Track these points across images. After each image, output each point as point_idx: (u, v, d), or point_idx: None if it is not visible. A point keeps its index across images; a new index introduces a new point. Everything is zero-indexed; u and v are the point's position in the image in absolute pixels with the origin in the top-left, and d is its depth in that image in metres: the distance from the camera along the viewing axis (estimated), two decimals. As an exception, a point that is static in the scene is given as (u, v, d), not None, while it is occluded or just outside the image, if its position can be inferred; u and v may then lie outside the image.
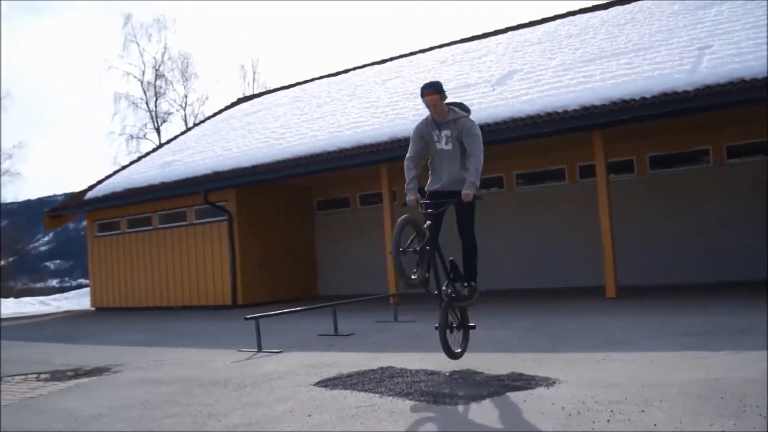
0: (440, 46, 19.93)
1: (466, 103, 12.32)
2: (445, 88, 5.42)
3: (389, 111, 14.27)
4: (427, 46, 20.50)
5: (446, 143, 5.44)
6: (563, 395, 4.13)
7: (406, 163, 5.54)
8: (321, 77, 22.61)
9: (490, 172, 15.31)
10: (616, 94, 10.59)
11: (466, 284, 5.40)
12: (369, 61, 21.93)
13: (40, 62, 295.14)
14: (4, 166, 42.76)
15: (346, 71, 21.81)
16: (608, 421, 3.45)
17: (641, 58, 11.78)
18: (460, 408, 4.00)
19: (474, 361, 5.49)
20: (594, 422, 3.43)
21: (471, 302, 5.46)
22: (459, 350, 5.34)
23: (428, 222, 5.18)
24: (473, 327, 5.53)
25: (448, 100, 5.46)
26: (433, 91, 5.33)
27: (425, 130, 5.51)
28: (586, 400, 3.94)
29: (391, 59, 20.87)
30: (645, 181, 13.72)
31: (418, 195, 5.33)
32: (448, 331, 5.18)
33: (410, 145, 5.59)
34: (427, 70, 17.22)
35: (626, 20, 14.84)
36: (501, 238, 14.64)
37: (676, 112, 10.15)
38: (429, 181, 5.58)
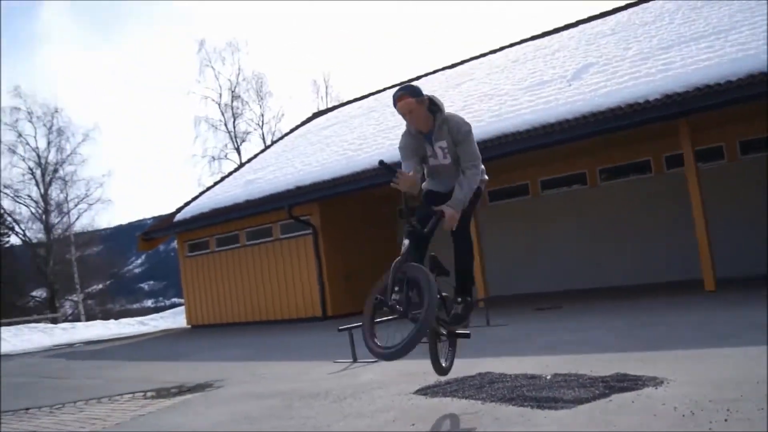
0: (511, 45, 19.75)
1: (541, 100, 12.18)
2: (424, 91, 4.49)
3: (465, 114, 14.06)
4: (497, 46, 20.35)
5: (444, 157, 4.52)
6: (674, 395, 4.00)
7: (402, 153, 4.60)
8: (393, 86, 22.74)
9: (572, 169, 15.07)
10: (699, 79, 10.22)
11: (459, 300, 4.63)
12: (439, 66, 21.93)
13: (123, 93, 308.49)
14: (96, 194, 44.79)
15: (418, 78, 21.87)
16: (726, 420, 3.31)
17: (723, 40, 11.34)
18: (567, 412, 3.94)
19: (574, 363, 5.41)
20: (711, 422, 3.30)
21: (466, 322, 4.70)
22: (446, 364, 4.72)
23: (407, 241, 4.32)
24: (467, 336, 4.80)
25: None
26: (406, 94, 4.40)
27: (414, 143, 4.55)
28: (698, 399, 3.80)
29: (462, 62, 20.81)
30: (737, 167, 13.19)
31: (418, 172, 4.45)
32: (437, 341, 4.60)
33: (402, 163, 4.53)
34: (499, 70, 17.09)
35: (702, 3, 14.32)
36: (586, 234, 14.36)
37: (765, 93, 9.73)
38: (426, 182, 4.75)
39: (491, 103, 13.95)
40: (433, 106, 4.48)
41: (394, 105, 4.45)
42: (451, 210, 4.26)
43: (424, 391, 5.13)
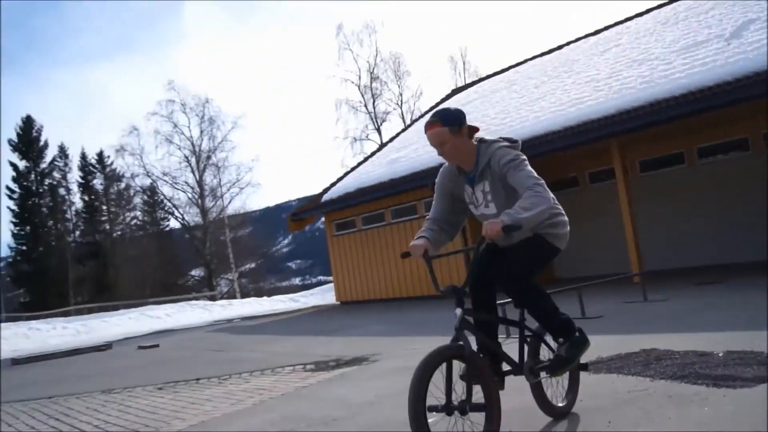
0: (659, 6, 18.57)
1: (697, 62, 11.24)
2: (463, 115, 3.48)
3: (612, 83, 13.55)
4: (644, 9, 19.22)
5: (486, 205, 3.54)
6: None
7: (425, 223, 3.69)
8: (533, 57, 22.12)
9: (732, 135, 14.01)
10: None
11: (561, 341, 3.63)
12: (582, 34, 21.06)
13: (267, 80, 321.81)
14: (246, 178, 47.23)
15: (560, 47, 21.12)
16: None
17: None
18: (749, 391, 3.68)
19: (747, 340, 5.03)
20: None
21: (578, 361, 3.73)
22: (563, 404, 3.85)
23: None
24: (585, 368, 3.97)
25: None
26: (437, 121, 3.43)
27: (450, 185, 3.71)
28: None
29: (606, 28, 19.86)
30: None
31: (428, 244, 3.55)
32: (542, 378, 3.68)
33: (433, 202, 3.80)
34: (648, 33, 16.12)
35: None
36: (752, 205, 13.34)
37: None
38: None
39: (641, 69, 13.22)
40: (475, 133, 3.54)
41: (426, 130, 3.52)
42: (496, 221, 3.10)
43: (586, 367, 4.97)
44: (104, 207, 52.95)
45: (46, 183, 49.96)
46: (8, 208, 48.78)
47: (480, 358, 3.29)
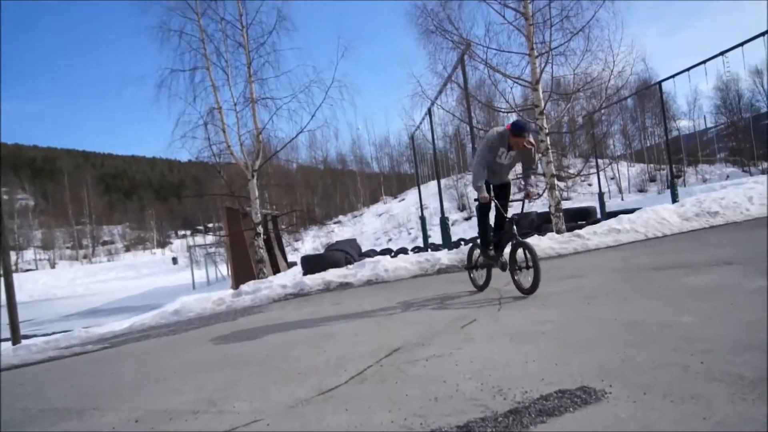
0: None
1: None
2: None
3: None
4: None
5: (506, 159, 6.90)
6: None
7: (479, 169, 6.78)
8: None
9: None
10: None
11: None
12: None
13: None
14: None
15: None
16: None
17: None
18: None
19: None
20: None
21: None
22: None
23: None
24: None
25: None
26: (528, 132, 6.65)
27: (496, 145, 6.80)
28: None
29: None
30: None
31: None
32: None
33: (484, 155, 6.82)
34: None
35: None
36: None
37: None
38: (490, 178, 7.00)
39: None
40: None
41: (518, 136, 6.59)
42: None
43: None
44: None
45: None
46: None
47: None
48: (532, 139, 6.71)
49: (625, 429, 2.78)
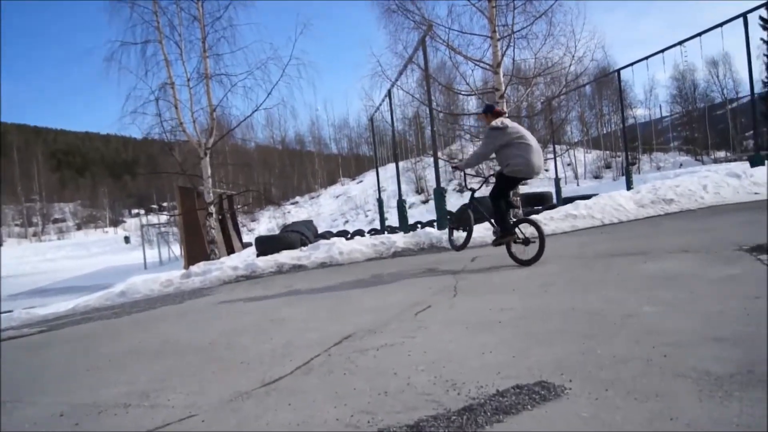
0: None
1: None
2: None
3: None
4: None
5: None
6: None
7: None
8: None
9: None
10: None
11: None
12: None
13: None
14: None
15: None
16: None
17: None
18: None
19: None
20: None
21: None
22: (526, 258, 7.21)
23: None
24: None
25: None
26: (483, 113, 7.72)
27: None
28: None
29: None
30: None
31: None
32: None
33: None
34: None
35: None
36: None
37: None
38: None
39: None
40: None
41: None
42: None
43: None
44: None
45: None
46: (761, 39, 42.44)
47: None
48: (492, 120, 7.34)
49: (588, 430, 2.58)
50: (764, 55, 42.15)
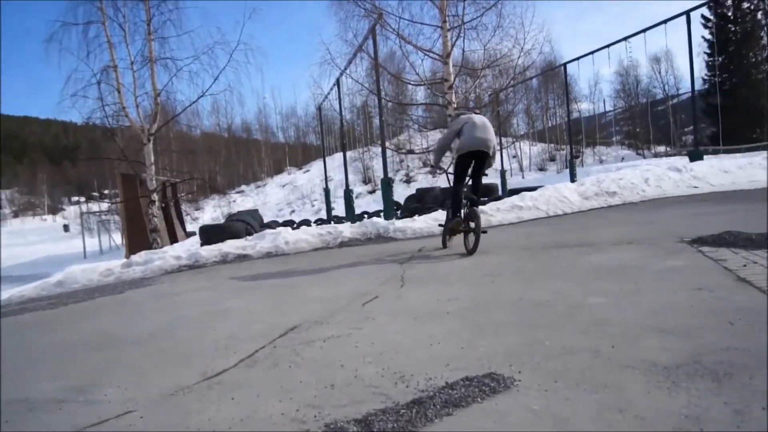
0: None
1: None
2: None
3: None
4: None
5: None
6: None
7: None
8: None
9: None
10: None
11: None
12: None
13: None
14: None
15: None
16: None
17: None
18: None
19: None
20: None
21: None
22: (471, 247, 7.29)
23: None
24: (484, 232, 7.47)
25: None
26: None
27: None
28: None
29: None
30: None
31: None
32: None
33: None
34: None
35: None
36: None
37: None
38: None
39: None
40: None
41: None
42: None
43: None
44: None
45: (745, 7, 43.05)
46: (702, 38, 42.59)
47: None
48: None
49: (539, 423, 2.54)
50: (705, 53, 43.33)
